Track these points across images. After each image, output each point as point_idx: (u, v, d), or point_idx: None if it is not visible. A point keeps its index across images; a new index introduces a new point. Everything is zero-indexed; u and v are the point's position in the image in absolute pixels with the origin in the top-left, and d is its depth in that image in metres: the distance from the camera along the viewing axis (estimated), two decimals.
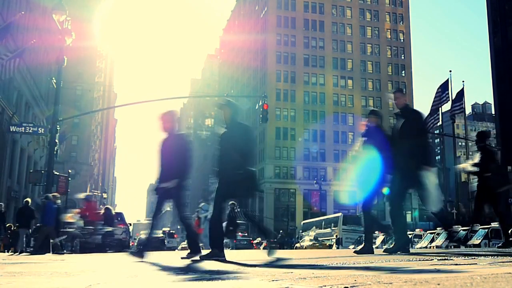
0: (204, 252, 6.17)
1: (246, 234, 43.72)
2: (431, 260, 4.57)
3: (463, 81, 54.61)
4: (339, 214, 39.72)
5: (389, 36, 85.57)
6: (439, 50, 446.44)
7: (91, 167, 75.41)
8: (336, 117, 78.60)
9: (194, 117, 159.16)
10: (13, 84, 31.74)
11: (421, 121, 6.99)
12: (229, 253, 6.96)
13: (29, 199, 17.80)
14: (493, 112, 67.00)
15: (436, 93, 31.22)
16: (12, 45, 24.61)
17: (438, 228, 24.17)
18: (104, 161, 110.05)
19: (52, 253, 13.65)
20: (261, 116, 25.42)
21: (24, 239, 16.37)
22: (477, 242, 17.70)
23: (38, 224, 15.96)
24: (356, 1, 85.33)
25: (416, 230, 31.15)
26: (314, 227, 42.06)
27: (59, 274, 4.01)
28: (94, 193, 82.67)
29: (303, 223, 50.14)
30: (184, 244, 29.02)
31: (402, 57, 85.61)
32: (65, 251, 14.74)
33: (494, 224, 19.22)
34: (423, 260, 4.65)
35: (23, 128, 24.23)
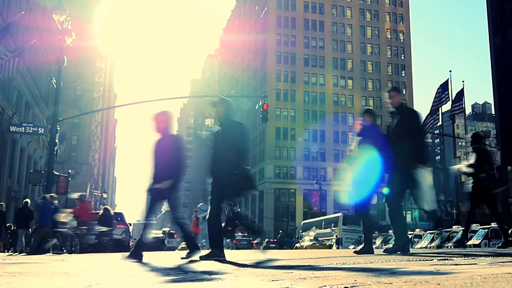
0: (204, 252, 6.16)
1: (246, 234, 43.70)
2: (431, 260, 4.57)
3: (463, 81, 54.61)
4: (339, 214, 39.70)
5: (389, 36, 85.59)
6: (439, 50, 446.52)
7: (91, 167, 75.42)
8: (336, 117, 78.62)
9: (194, 117, 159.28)
10: (13, 84, 31.74)
11: (417, 119, 6.96)
12: (228, 253, 6.96)
13: (28, 200, 17.80)
14: (493, 112, 67.01)
15: (436, 93, 31.21)
16: (12, 45, 24.60)
17: (438, 228, 24.17)
18: (104, 161, 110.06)
19: (52, 253, 13.65)
20: (261, 116, 25.43)
21: (24, 239, 16.36)
22: (477, 242, 17.71)
23: (37, 225, 15.94)
24: (356, 1, 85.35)
25: (416, 230, 31.16)
26: (314, 227, 42.05)
27: (59, 274, 4.01)
28: (94, 193, 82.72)
29: (303, 223, 50.13)
30: (184, 244, 28.89)
31: (402, 57, 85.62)
32: (65, 251, 14.74)
33: (494, 224, 19.22)
34: (423, 260, 4.65)
35: (23, 128, 24.23)
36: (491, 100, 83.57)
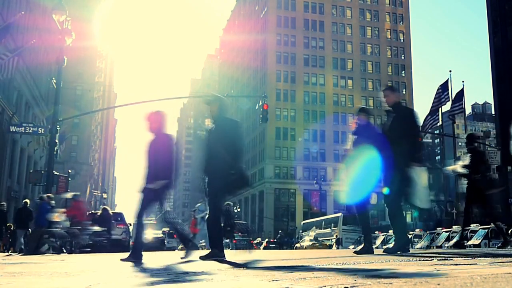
0: (203, 252, 6.16)
1: (246, 234, 43.68)
2: (431, 260, 4.56)
3: (463, 81, 54.66)
4: (339, 214, 39.68)
5: (389, 36, 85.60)
6: (439, 50, 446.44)
7: (91, 167, 75.41)
8: (336, 117, 78.63)
9: (194, 117, 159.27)
10: (13, 84, 31.74)
11: (413, 118, 6.95)
12: (228, 253, 6.96)
13: (28, 200, 17.79)
14: (493, 112, 66.99)
15: (436, 93, 31.24)
16: (12, 45, 24.59)
17: (438, 228, 24.18)
18: (104, 161, 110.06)
19: (52, 253, 13.65)
20: (261, 116, 25.44)
21: (22, 239, 16.34)
22: (477, 242, 17.70)
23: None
24: (356, 1, 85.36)
25: (416, 230, 31.14)
26: (314, 227, 42.04)
27: (59, 274, 4.01)
28: (94, 193, 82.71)
29: (303, 223, 50.13)
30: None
31: (402, 57, 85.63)
32: (65, 251, 14.73)
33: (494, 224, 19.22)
34: (423, 260, 4.65)
35: (23, 128, 24.23)
36: (491, 100, 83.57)
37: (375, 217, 60.92)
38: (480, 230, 18.53)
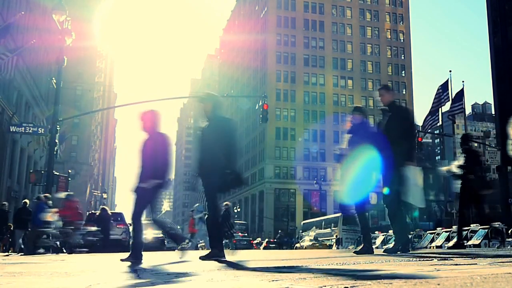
0: (203, 252, 6.16)
1: (246, 234, 43.73)
2: (431, 260, 4.56)
3: (463, 81, 54.68)
4: (339, 214, 39.65)
5: (389, 36, 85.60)
6: (439, 50, 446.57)
7: (91, 167, 75.40)
8: (336, 117, 78.60)
9: (194, 117, 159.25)
10: (13, 84, 31.73)
11: (408, 118, 6.95)
12: (228, 254, 6.96)
13: (27, 200, 17.77)
14: (493, 112, 66.99)
15: (436, 93, 31.25)
16: (12, 45, 24.59)
17: (438, 228, 24.18)
18: (104, 161, 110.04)
19: (52, 252, 13.65)
20: (261, 116, 25.42)
21: (21, 239, 16.32)
22: (477, 242, 17.69)
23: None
24: (356, 1, 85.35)
25: (416, 230, 31.10)
26: (314, 227, 42.01)
27: (59, 274, 4.01)
28: (94, 193, 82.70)
29: (303, 223, 50.10)
30: (184, 244, 28.89)
31: (402, 57, 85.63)
32: (65, 251, 14.72)
33: (494, 224, 19.22)
34: (423, 260, 4.65)
35: (23, 128, 24.21)
36: (491, 100, 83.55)
37: (375, 217, 60.93)
38: (480, 230, 18.52)
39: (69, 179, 26.38)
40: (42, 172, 23.24)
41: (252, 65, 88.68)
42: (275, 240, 47.98)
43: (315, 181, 63.65)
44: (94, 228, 16.21)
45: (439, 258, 4.79)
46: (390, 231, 20.48)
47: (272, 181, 76.29)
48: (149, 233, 20.94)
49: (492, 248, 14.21)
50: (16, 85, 32.76)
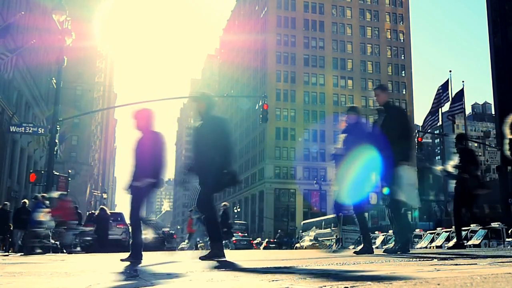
0: (203, 252, 6.15)
1: (246, 234, 43.70)
2: (431, 260, 4.56)
3: (463, 81, 54.61)
4: (339, 214, 39.59)
5: (389, 36, 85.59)
6: (439, 50, 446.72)
7: (91, 167, 75.39)
8: (336, 117, 78.45)
9: (194, 117, 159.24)
10: (13, 84, 31.73)
11: (404, 118, 6.95)
12: (228, 253, 6.96)
13: (26, 200, 17.77)
14: (493, 112, 67.04)
15: (436, 93, 31.27)
16: (12, 45, 24.60)
17: (438, 228, 24.18)
18: (104, 161, 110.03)
19: (52, 252, 13.65)
20: (261, 116, 25.42)
21: (21, 239, 16.31)
22: (477, 242, 17.70)
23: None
24: (356, 1, 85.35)
25: (416, 230, 31.12)
26: (314, 227, 42.00)
27: (59, 274, 4.01)
28: (94, 193, 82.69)
29: (303, 223, 50.10)
30: (184, 244, 29.10)
31: (402, 57, 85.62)
32: (65, 251, 14.73)
33: (494, 224, 19.23)
34: (423, 260, 4.65)
35: (23, 128, 24.21)
36: (491, 100, 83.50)
37: (375, 217, 60.95)
38: (480, 230, 18.54)
39: (69, 179, 26.39)
40: (42, 172, 23.24)
41: (252, 65, 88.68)
42: (275, 240, 47.98)
43: (315, 181, 63.65)
44: (88, 228, 16.20)
45: (439, 258, 4.79)
46: (390, 231, 20.48)
47: (272, 181, 76.29)
48: (149, 233, 20.95)
49: (492, 248, 14.21)
50: (16, 85, 32.76)
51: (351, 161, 6.73)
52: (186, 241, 20.54)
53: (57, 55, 18.74)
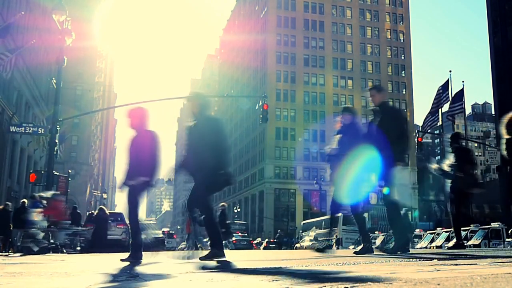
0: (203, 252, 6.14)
1: (246, 234, 43.71)
2: (431, 260, 4.56)
3: (463, 81, 54.59)
4: (339, 215, 39.55)
5: (389, 36, 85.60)
6: (439, 50, 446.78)
7: (91, 167, 75.39)
8: (336, 117, 78.48)
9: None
10: (13, 84, 31.75)
11: (400, 119, 6.93)
12: (228, 253, 6.96)
13: (26, 200, 17.76)
14: (493, 112, 67.11)
15: (437, 93, 31.27)
16: (12, 45, 24.60)
17: (438, 228, 24.19)
18: (104, 161, 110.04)
19: (52, 252, 13.64)
20: (261, 116, 25.41)
21: (20, 239, 16.29)
22: (477, 242, 17.71)
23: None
24: (356, 1, 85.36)
25: (416, 230, 31.16)
26: (314, 227, 42.00)
27: (59, 275, 4.01)
28: (94, 193, 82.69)
29: (303, 223, 50.11)
30: (183, 244, 29.11)
31: (402, 57, 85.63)
32: (65, 251, 14.73)
33: (494, 224, 19.25)
34: (423, 260, 4.65)
35: (23, 128, 24.23)
36: (491, 100, 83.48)
37: (375, 217, 60.91)
38: (480, 230, 18.55)
39: (69, 179, 26.44)
40: (42, 172, 23.26)
41: (252, 65, 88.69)
42: (275, 240, 47.99)
43: (315, 181, 63.62)
44: (82, 228, 16.19)
45: (439, 258, 4.79)
46: (390, 231, 20.48)
47: (272, 181, 76.29)
48: (149, 233, 20.97)
49: (492, 248, 14.21)
50: (16, 85, 32.77)
51: (347, 162, 6.73)
52: (184, 242, 20.58)
53: (57, 55, 18.73)
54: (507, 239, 17.72)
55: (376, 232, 29.63)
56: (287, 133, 78.66)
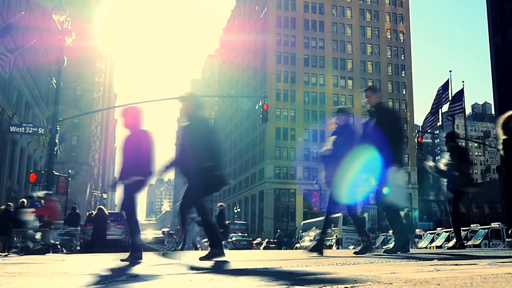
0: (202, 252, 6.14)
1: (246, 234, 43.70)
2: (431, 260, 4.56)
3: (463, 81, 54.44)
4: (339, 215, 39.57)
5: (389, 36, 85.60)
6: (439, 50, 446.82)
7: (91, 167, 75.40)
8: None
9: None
10: (13, 84, 31.75)
11: (395, 120, 6.93)
12: (228, 253, 6.96)
13: (25, 200, 17.76)
14: (493, 112, 67.10)
15: (437, 93, 31.25)
16: (12, 45, 24.61)
17: (438, 228, 24.18)
18: (104, 161, 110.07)
19: (52, 252, 13.63)
20: (261, 116, 25.41)
21: (20, 239, 16.27)
22: (477, 242, 17.70)
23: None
24: (356, 1, 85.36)
25: (416, 230, 31.14)
26: (314, 227, 41.96)
27: (59, 275, 4.01)
28: (94, 193, 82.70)
29: (303, 223, 50.09)
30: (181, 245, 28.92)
31: (402, 57, 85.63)
32: (65, 251, 14.73)
33: (494, 225, 19.24)
34: (423, 260, 4.65)
35: (23, 128, 24.23)
36: (491, 100, 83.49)
37: (376, 217, 60.86)
38: (480, 230, 18.55)
39: (69, 179, 26.43)
40: (42, 172, 23.24)
41: (252, 65, 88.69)
42: (275, 240, 47.99)
43: (315, 181, 63.57)
44: (80, 228, 16.17)
45: (439, 258, 4.79)
46: (390, 231, 20.48)
47: (272, 181, 76.28)
48: (149, 233, 20.99)
49: (492, 248, 14.22)
50: (16, 85, 32.77)
51: (343, 163, 6.72)
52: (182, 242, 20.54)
53: (57, 55, 18.73)
54: (507, 239, 17.71)
55: (376, 232, 29.63)
56: (287, 133, 78.66)
